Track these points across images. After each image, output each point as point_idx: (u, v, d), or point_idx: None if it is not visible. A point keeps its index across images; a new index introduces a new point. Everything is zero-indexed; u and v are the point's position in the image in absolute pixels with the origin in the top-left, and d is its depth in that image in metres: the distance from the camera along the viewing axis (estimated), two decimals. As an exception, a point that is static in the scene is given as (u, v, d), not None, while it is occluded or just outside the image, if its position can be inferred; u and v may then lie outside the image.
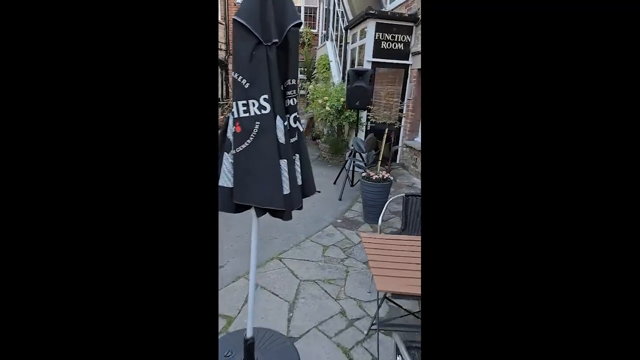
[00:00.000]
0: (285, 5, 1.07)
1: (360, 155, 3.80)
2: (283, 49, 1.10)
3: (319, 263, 2.64)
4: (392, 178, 3.47)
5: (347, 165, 4.34)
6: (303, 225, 3.25)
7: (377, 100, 5.44)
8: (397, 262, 1.58)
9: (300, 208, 1.30)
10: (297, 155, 1.26)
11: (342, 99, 5.24)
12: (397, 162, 5.62)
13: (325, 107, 5.41)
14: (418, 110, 5.26)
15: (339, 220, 3.46)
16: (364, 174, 3.47)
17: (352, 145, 4.19)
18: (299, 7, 9.54)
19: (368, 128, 5.31)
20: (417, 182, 4.84)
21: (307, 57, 9.14)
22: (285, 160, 1.16)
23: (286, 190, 1.18)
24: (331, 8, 8.06)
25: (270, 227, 3.05)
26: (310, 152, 7.20)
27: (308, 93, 6.88)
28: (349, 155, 4.34)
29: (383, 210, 2.34)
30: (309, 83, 8.48)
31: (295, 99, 1.20)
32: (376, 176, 3.38)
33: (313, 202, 3.87)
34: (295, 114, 1.22)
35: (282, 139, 1.14)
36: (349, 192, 4.20)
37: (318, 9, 9.52)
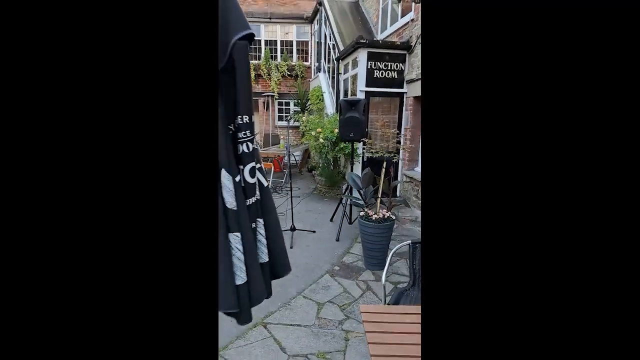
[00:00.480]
0: (228, 15, 0.75)
1: (358, 192, 3.44)
2: (228, 73, 0.76)
3: (312, 329, 2.18)
4: (394, 217, 3.08)
5: (343, 201, 3.96)
6: (294, 275, 2.81)
7: (373, 130, 5.17)
8: (404, 343, 1.16)
9: (268, 296, 0.91)
10: (260, 220, 0.89)
11: (335, 130, 4.98)
12: (398, 195, 5.25)
13: (319, 139, 5.13)
14: (417, 140, 4.97)
15: (337, 268, 3.02)
16: (362, 213, 3.08)
17: (348, 181, 3.85)
18: (291, 42, 9.65)
19: (365, 160, 5.00)
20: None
21: (300, 89, 9.07)
22: (237, 233, 0.79)
23: (241, 278, 0.79)
24: (322, 41, 8.08)
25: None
26: (306, 185, 7.03)
27: (302, 124, 6.66)
28: (345, 191, 3.97)
29: (387, 264, 1.93)
30: (302, 114, 8.33)
31: (250, 143, 0.85)
32: (376, 215, 2.99)
33: (307, 244, 3.46)
34: (253, 163, 0.86)
35: (230, 202, 0.78)
36: (347, 231, 3.79)
37: (310, 42, 9.61)
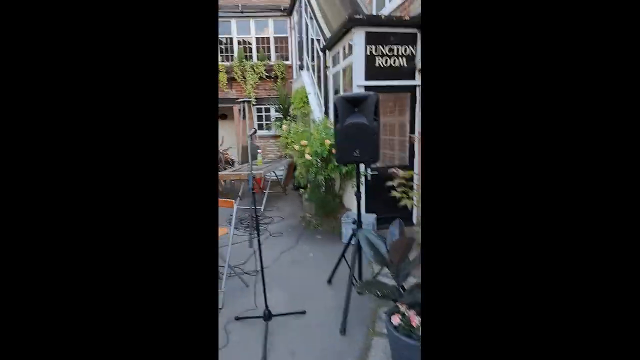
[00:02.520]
0: None
1: (379, 262, 2.01)
2: None
3: None
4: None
5: (348, 255, 2.55)
6: None
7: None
8: None
9: None
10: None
11: (327, 142, 3.58)
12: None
13: (304, 155, 3.73)
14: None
15: (348, 409, 1.61)
16: (398, 323, 1.65)
17: (355, 233, 2.43)
18: (267, 38, 8.28)
19: (368, 178, 3.62)
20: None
21: (281, 92, 7.66)
22: None
23: None
24: (304, 34, 6.73)
25: None
26: (292, 211, 5.11)
27: (283, 135, 5.26)
28: (350, 240, 2.53)
29: None
30: (285, 121, 6.93)
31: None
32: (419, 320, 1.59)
33: (293, 347, 2.02)
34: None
35: None
36: (357, 307, 2.37)
37: (289, 37, 8.26)
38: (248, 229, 4.25)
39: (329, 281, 2.75)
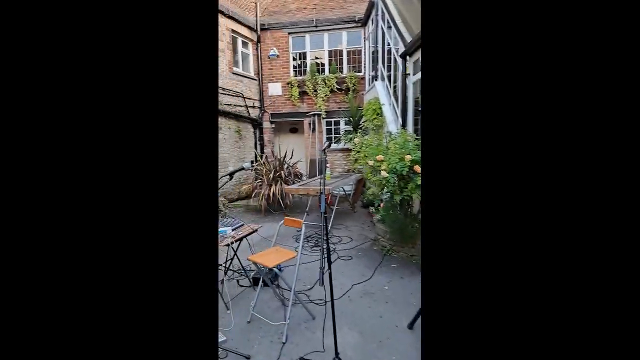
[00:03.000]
0: None
1: None
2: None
3: None
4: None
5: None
6: None
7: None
8: None
9: None
10: None
11: (407, 158, 3.14)
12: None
13: (379, 171, 3.33)
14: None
15: None
16: None
17: None
18: (340, 51, 8.18)
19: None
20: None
21: (352, 104, 7.40)
22: None
23: None
24: (379, 45, 6.42)
25: None
26: (361, 232, 4.59)
27: (355, 148, 4.94)
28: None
29: None
30: (354, 134, 6.63)
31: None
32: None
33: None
34: None
35: None
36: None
37: (363, 48, 8.03)
38: (315, 249, 3.98)
39: (410, 327, 2.26)
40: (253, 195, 5.98)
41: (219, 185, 1.54)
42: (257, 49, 8.25)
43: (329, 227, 4.76)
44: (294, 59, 8.43)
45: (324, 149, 1.92)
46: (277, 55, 8.26)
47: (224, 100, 7.02)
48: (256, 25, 8.14)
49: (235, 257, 3.06)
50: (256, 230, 2.90)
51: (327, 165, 5.99)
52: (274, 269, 2.51)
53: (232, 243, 2.60)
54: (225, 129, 7.13)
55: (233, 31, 7.41)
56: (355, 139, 4.77)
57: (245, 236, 2.76)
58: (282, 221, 2.68)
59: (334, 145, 8.20)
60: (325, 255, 1.78)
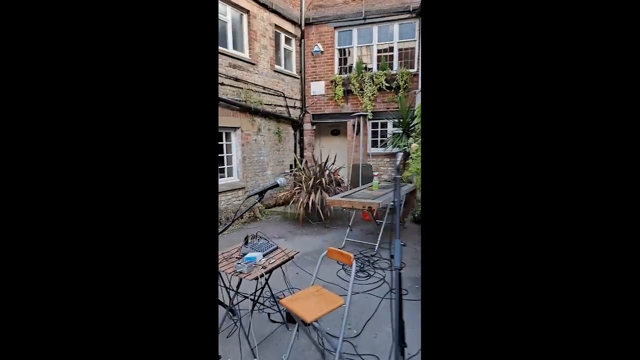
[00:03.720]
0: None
1: None
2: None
3: None
4: None
5: None
6: None
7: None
8: None
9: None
10: None
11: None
12: None
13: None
14: None
15: None
16: None
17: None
18: (391, 46, 7.43)
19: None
20: None
21: (402, 104, 6.62)
22: None
23: None
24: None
25: None
26: (415, 256, 3.52)
27: (412, 154, 4.22)
28: None
29: None
30: (405, 137, 5.86)
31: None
32: None
33: None
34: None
35: None
36: None
37: (417, 41, 7.21)
38: (360, 274, 3.34)
39: None
40: (291, 201, 5.49)
41: (248, 204, 1.23)
42: (300, 45, 7.77)
43: (376, 247, 4.08)
44: (340, 55, 7.83)
45: (398, 167, 1.28)
46: (322, 52, 7.71)
47: (264, 99, 6.62)
48: (300, 19, 7.66)
49: (267, 285, 2.53)
50: (292, 257, 2.34)
51: (375, 173, 5.30)
52: (314, 323, 1.91)
53: (262, 276, 2.06)
54: (265, 130, 6.73)
55: (276, 26, 7.00)
56: (413, 144, 4.04)
57: (279, 265, 2.21)
58: (324, 252, 2.08)
59: (380, 150, 7.47)
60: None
